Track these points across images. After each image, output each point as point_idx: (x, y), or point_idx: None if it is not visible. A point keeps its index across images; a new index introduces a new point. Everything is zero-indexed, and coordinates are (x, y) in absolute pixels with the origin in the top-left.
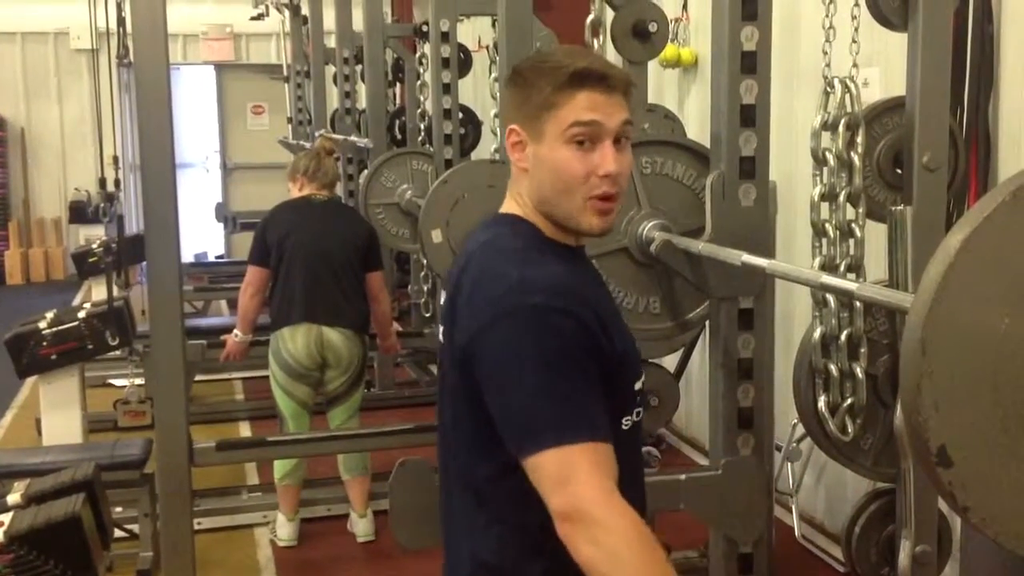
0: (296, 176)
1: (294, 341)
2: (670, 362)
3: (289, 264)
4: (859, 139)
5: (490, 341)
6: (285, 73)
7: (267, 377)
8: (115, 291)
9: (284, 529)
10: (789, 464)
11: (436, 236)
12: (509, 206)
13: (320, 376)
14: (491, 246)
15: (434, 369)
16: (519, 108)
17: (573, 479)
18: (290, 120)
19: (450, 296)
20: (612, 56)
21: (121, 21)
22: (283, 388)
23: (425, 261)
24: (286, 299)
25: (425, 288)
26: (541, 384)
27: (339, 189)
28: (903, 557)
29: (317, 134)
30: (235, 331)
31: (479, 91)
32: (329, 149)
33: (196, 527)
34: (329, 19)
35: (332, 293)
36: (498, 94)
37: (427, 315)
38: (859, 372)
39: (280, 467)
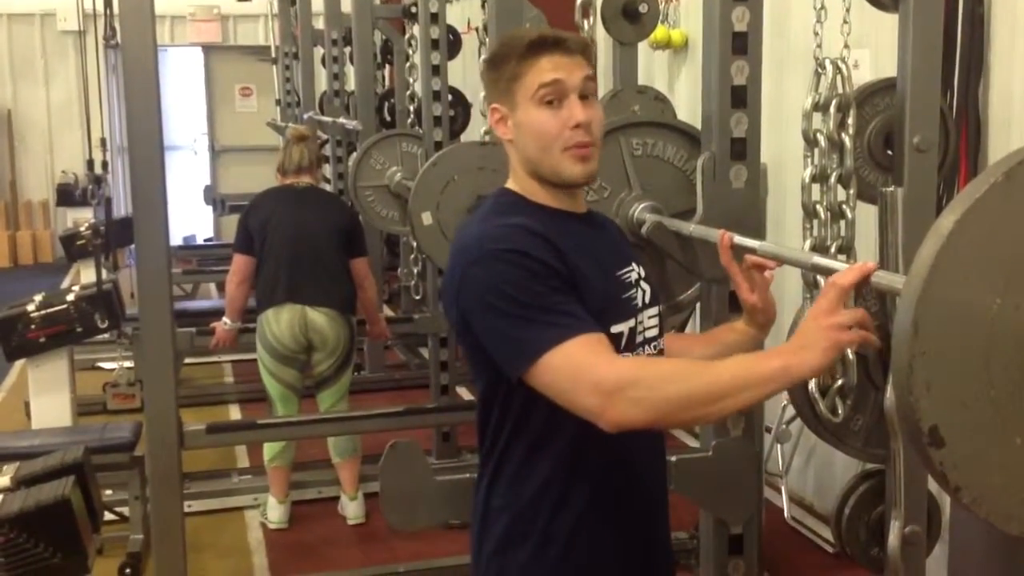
0: (277, 174)
1: (278, 322)
2: None
3: (271, 247)
4: (850, 120)
5: (464, 293)
6: (273, 55)
7: (257, 360)
8: (103, 274)
9: (275, 511)
10: (779, 445)
11: (426, 218)
12: (510, 179)
13: (307, 359)
14: (470, 220)
15: (424, 352)
16: (494, 87)
17: (580, 372)
18: (278, 102)
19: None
20: (602, 37)
21: (108, 2)
22: (270, 371)
23: (415, 244)
24: (269, 281)
25: (415, 271)
26: (519, 306)
27: (328, 171)
28: (892, 538)
29: (306, 116)
30: (224, 319)
31: (468, 73)
32: (300, 135)
33: (186, 510)
34: (317, 0)
35: (315, 274)
36: None
37: (417, 298)
38: (849, 353)
39: (269, 449)
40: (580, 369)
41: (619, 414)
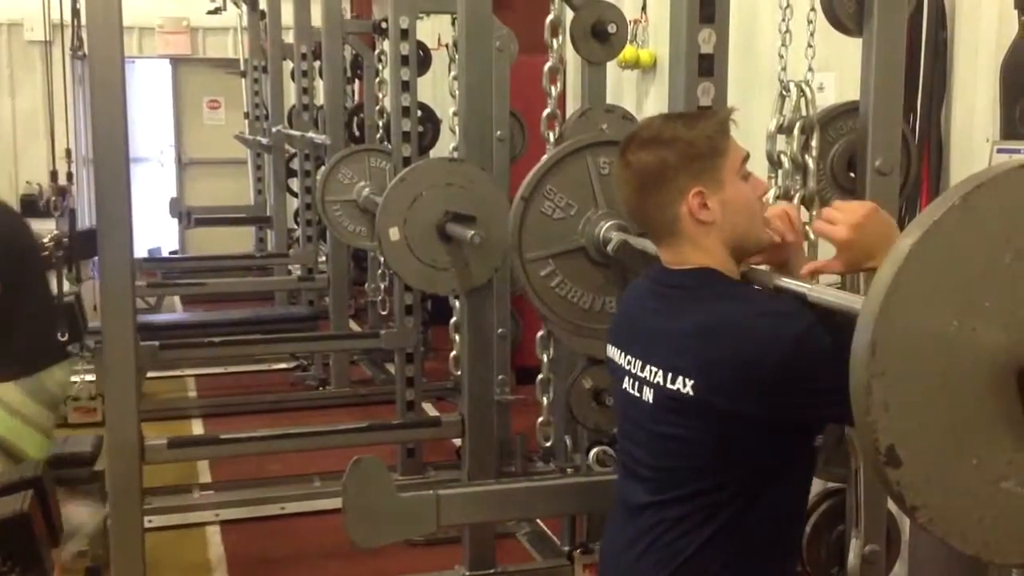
0: None
1: (63, 372)
2: None
3: (28, 279)
4: (813, 143)
5: (805, 363)
6: (242, 68)
7: (221, 375)
8: (66, 286)
9: None
10: None
11: (393, 234)
12: (696, 259)
13: None
14: (723, 293)
15: (390, 368)
16: (687, 169)
17: None
18: (247, 115)
19: (682, 347)
20: (571, 56)
21: (75, 13)
22: (44, 429)
23: (382, 259)
24: (40, 327)
25: (382, 286)
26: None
27: (295, 185)
28: (852, 557)
29: (274, 130)
30: None
31: (438, 89)
32: None
33: (147, 525)
34: (287, 14)
35: None
36: (457, 93)
37: (383, 313)
38: None
39: None
40: None
41: None
